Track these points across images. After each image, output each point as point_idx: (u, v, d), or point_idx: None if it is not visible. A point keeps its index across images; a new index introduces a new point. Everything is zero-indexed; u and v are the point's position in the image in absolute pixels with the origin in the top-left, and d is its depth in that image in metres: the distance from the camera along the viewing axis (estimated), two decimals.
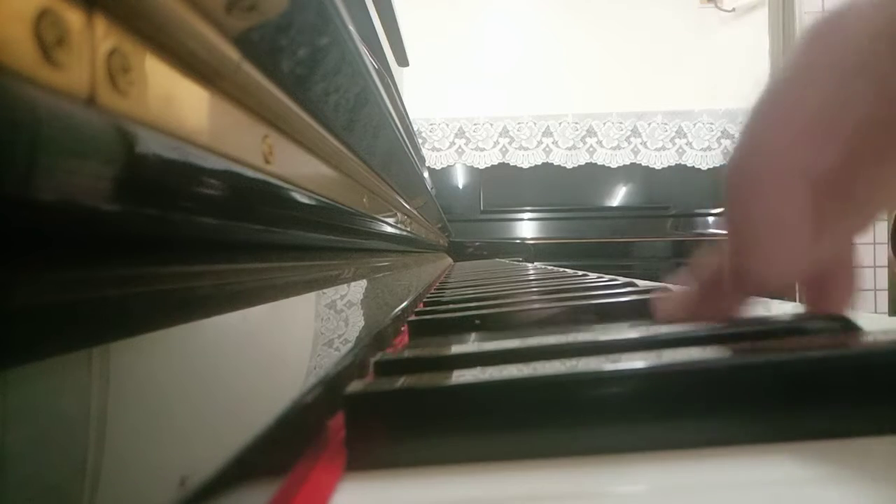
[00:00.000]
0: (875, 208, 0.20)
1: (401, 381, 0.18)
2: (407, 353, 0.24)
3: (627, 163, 2.55)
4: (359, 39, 0.30)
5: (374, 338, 0.29)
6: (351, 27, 0.27)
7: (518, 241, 2.43)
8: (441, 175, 2.54)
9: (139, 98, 0.13)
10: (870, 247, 2.26)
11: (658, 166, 2.53)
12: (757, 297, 0.24)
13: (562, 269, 1.04)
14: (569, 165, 2.59)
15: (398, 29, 1.10)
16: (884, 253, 2.24)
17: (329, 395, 0.19)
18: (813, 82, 0.17)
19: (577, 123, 2.60)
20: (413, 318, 0.40)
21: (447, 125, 2.61)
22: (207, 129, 0.16)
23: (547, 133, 2.61)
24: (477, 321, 0.36)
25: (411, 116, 1.40)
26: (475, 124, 2.62)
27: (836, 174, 0.18)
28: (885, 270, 2.21)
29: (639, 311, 0.35)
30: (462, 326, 0.36)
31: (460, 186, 2.58)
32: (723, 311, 0.24)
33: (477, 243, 2.39)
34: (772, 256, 0.19)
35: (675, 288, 0.27)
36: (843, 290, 0.22)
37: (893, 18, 0.16)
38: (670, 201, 2.44)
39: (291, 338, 0.23)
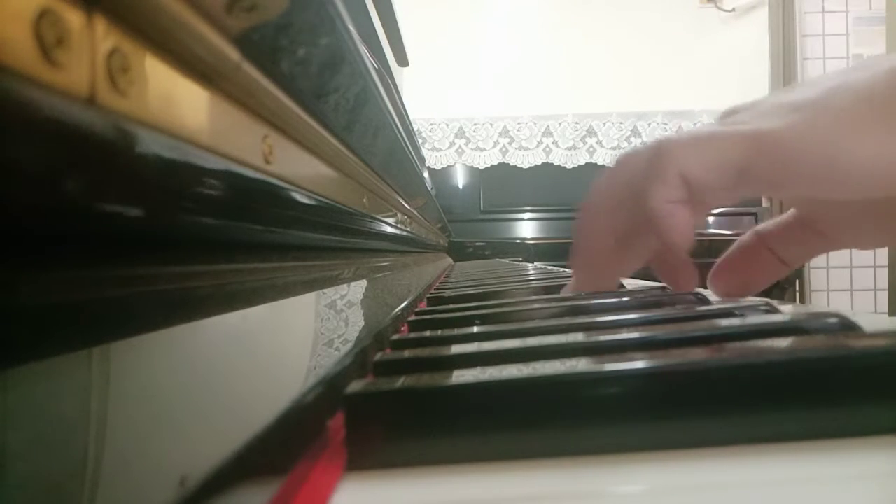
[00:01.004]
0: (644, 249, 0.38)
1: (401, 381, 0.18)
2: (407, 354, 0.24)
3: None
4: (359, 39, 0.30)
5: (375, 338, 0.29)
6: (351, 27, 0.27)
7: (518, 241, 2.43)
8: (441, 175, 2.54)
9: (139, 98, 0.13)
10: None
11: None
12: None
13: (562, 270, 1.04)
14: (569, 165, 2.59)
15: (398, 29, 1.10)
16: (884, 254, 2.23)
17: (329, 395, 0.19)
18: (615, 184, 0.36)
19: (577, 123, 2.60)
20: (413, 317, 0.41)
21: (447, 125, 2.61)
22: (207, 128, 0.16)
23: (547, 133, 2.61)
24: (477, 321, 0.36)
25: (411, 116, 1.40)
26: (475, 124, 2.62)
27: (625, 230, 0.36)
28: (885, 270, 2.20)
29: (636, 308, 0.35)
30: (462, 326, 0.36)
31: (460, 186, 2.58)
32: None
33: (477, 243, 2.39)
34: (585, 257, 0.39)
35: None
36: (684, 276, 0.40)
37: (644, 161, 0.32)
38: None
39: (291, 338, 0.23)
